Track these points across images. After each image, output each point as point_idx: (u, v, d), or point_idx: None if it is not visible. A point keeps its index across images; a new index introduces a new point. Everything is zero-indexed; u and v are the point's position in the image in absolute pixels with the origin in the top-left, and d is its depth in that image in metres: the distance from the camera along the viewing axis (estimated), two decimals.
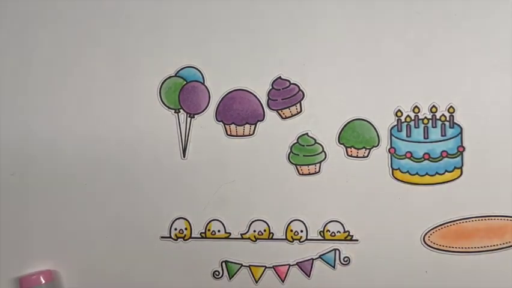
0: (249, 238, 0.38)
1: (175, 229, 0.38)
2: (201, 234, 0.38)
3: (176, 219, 0.38)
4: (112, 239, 0.38)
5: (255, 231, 0.37)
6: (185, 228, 0.38)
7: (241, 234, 0.38)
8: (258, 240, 0.38)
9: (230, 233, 0.38)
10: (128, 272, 0.38)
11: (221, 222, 0.38)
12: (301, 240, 0.37)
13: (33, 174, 0.38)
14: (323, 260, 0.37)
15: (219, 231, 0.38)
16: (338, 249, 0.37)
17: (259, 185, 0.37)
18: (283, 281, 0.37)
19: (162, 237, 0.38)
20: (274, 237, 0.37)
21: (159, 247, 0.38)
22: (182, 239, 0.38)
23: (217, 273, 0.38)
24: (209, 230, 0.38)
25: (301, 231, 0.37)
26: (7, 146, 0.38)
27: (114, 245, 0.38)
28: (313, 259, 0.37)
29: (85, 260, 0.38)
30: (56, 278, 0.38)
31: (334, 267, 0.37)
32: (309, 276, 0.37)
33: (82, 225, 0.38)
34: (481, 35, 0.37)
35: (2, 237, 0.38)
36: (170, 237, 0.38)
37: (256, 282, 0.38)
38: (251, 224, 0.38)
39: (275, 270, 0.38)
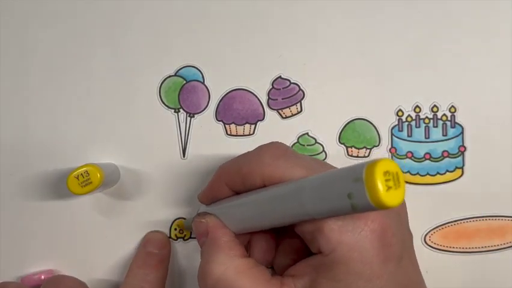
0: None
1: (175, 229, 0.38)
2: None
3: (176, 219, 0.38)
4: (112, 239, 0.38)
5: None
6: None
7: None
8: None
9: None
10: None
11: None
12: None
13: (33, 174, 0.38)
14: None
15: None
16: None
17: None
18: None
19: None
20: None
21: None
22: (182, 239, 0.38)
23: None
24: None
25: None
26: (7, 146, 0.38)
27: (114, 245, 0.38)
28: None
29: (86, 260, 0.38)
30: None
31: None
32: None
33: (82, 225, 0.38)
34: (481, 35, 0.37)
35: (2, 237, 0.38)
36: (170, 237, 0.38)
37: None
38: None
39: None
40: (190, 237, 0.38)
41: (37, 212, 0.38)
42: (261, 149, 0.30)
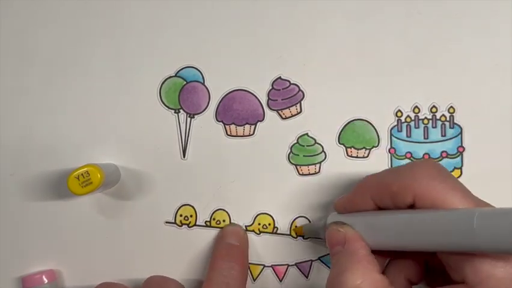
0: (253, 230, 0.38)
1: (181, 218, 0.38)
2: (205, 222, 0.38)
3: (181, 206, 0.38)
4: (112, 239, 0.38)
5: (259, 224, 0.38)
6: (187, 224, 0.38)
7: (246, 226, 0.38)
8: (262, 234, 0.38)
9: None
10: (128, 273, 0.38)
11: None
12: (305, 237, 0.37)
13: (33, 174, 0.38)
14: (322, 261, 0.37)
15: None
16: None
17: (259, 186, 0.37)
18: (281, 280, 0.38)
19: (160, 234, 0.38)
20: (278, 231, 0.38)
21: (157, 253, 0.38)
22: (187, 226, 0.38)
23: None
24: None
25: None
26: (7, 146, 0.38)
27: (114, 245, 0.38)
28: (312, 260, 0.37)
29: (86, 260, 0.38)
30: (59, 278, 0.38)
31: None
32: (307, 277, 0.38)
33: (82, 225, 0.38)
34: (481, 35, 0.37)
35: (2, 237, 0.38)
36: (175, 222, 0.38)
37: (254, 280, 0.38)
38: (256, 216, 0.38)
39: (273, 270, 0.38)
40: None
41: (37, 212, 0.38)
42: (415, 166, 0.29)
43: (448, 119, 0.37)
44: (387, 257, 0.32)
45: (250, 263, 0.38)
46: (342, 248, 0.30)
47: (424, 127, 0.37)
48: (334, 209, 0.34)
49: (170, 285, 0.35)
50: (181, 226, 0.38)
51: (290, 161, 0.37)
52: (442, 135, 0.37)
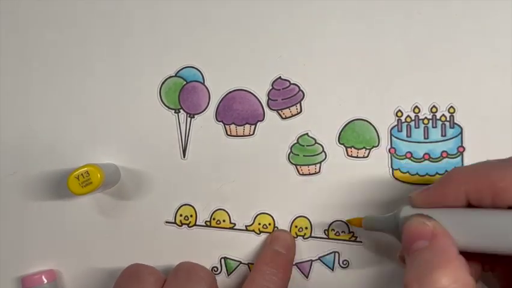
0: (253, 230, 0.38)
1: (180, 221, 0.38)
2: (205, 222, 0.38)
3: (181, 206, 0.38)
4: (112, 239, 0.38)
5: (259, 224, 0.38)
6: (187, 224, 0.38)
7: (246, 226, 0.38)
8: (262, 234, 0.38)
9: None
10: None
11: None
12: (305, 236, 0.37)
13: (33, 174, 0.38)
14: (322, 262, 0.37)
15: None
16: (338, 252, 0.37)
17: (259, 186, 0.37)
18: None
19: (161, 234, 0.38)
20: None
21: (157, 253, 0.38)
22: (187, 226, 0.38)
23: (215, 269, 0.38)
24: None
25: (306, 228, 0.38)
26: (7, 145, 0.38)
27: (114, 245, 0.38)
28: (312, 261, 0.37)
29: (86, 260, 0.38)
30: (59, 278, 0.38)
31: (333, 269, 0.37)
32: (307, 277, 0.38)
33: (82, 225, 0.38)
34: (481, 35, 0.37)
35: (2, 237, 0.38)
36: (175, 222, 0.38)
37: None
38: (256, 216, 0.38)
39: None
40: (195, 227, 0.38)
41: (37, 212, 0.38)
42: None
43: (448, 119, 0.37)
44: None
45: (250, 263, 0.38)
46: (427, 243, 0.27)
47: (424, 127, 0.37)
48: (408, 202, 0.31)
49: (199, 271, 0.35)
50: (181, 226, 0.38)
51: (290, 161, 0.37)
52: (442, 135, 0.37)
